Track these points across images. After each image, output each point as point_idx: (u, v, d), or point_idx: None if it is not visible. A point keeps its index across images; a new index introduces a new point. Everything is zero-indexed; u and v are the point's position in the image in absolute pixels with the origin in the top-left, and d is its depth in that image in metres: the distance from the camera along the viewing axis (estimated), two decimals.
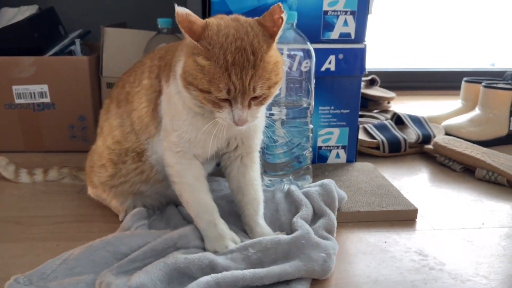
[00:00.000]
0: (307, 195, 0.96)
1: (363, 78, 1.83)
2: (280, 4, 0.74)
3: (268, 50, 0.74)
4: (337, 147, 1.25)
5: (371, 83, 1.88)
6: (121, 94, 0.94)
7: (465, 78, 1.71)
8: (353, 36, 1.15)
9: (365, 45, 1.17)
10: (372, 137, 1.40)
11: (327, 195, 0.95)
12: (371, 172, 1.19)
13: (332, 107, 1.21)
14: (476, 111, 1.56)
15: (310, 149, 1.06)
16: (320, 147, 1.24)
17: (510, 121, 1.52)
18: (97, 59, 1.42)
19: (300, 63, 1.01)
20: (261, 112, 0.83)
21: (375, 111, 1.80)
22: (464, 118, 1.56)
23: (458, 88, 1.76)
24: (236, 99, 0.73)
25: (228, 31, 0.73)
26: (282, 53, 0.96)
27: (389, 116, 1.65)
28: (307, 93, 1.02)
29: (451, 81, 2.25)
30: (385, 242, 0.90)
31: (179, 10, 0.70)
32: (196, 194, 0.85)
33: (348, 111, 1.22)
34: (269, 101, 0.79)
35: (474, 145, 1.32)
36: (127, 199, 0.96)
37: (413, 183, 1.21)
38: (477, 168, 1.23)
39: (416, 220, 1.00)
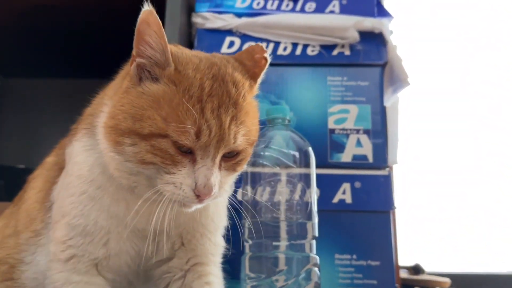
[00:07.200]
0: None
1: (402, 265, 1.44)
2: (260, 44, 0.57)
3: (250, 91, 0.54)
4: None
5: (416, 271, 1.47)
6: (22, 191, 0.67)
7: None
8: (371, 160, 0.89)
9: (389, 171, 0.89)
10: None
11: None
12: None
13: (354, 256, 0.84)
14: None
15: None
16: None
17: None
18: None
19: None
20: (229, 186, 0.56)
21: None
22: None
23: None
24: (208, 149, 0.48)
25: (200, 56, 0.54)
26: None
27: None
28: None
29: None
30: None
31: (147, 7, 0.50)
32: None
33: (378, 263, 0.84)
34: (241, 169, 0.54)
35: None
36: None
37: None
38: None
39: None
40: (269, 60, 0.56)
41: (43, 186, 0.61)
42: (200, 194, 0.48)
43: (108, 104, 0.54)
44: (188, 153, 0.49)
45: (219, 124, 0.48)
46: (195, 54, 0.55)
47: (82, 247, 0.54)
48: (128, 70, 0.54)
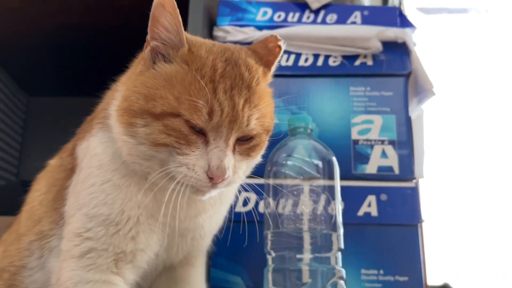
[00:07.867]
0: None
1: (431, 284, 1.38)
2: (275, 34, 0.57)
3: (264, 77, 0.53)
4: None
5: None
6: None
7: None
8: (397, 171, 0.86)
9: (416, 183, 0.86)
10: None
11: None
12: None
13: (381, 271, 0.80)
14: None
15: None
16: None
17: None
18: None
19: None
20: (245, 173, 0.53)
21: None
22: None
23: None
24: (220, 130, 0.47)
25: (214, 42, 0.55)
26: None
27: None
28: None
29: None
30: None
31: None
32: None
33: (406, 278, 0.80)
34: (258, 157, 0.53)
35: None
36: None
37: None
38: None
39: None
40: (283, 48, 0.56)
41: (48, 188, 0.60)
42: (214, 176, 0.47)
43: (121, 89, 0.54)
44: (201, 134, 0.48)
45: (232, 105, 0.48)
46: (209, 41, 0.56)
47: (104, 239, 0.50)
48: (142, 56, 0.55)
